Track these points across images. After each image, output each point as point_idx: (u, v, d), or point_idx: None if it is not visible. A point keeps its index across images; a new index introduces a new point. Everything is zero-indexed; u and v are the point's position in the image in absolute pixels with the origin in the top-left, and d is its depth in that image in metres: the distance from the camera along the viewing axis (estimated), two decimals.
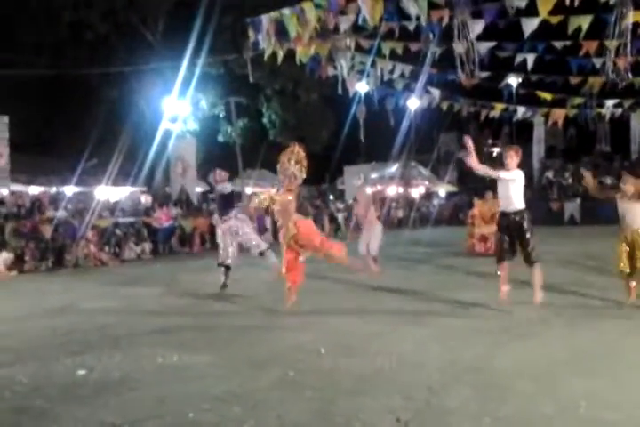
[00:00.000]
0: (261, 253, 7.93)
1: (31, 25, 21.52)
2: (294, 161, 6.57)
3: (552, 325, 5.84)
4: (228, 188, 8.06)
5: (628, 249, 6.44)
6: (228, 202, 8.06)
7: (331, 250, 6.57)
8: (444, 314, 6.43)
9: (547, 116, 16.23)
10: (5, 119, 14.88)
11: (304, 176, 6.63)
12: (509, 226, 6.35)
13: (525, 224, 6.30)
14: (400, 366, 4.65)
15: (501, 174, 6.34)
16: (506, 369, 4.50)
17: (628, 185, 6.45)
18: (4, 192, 15.33)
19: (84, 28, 21.72)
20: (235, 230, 7.82)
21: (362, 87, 15.88)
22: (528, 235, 6.29)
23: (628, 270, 6.45)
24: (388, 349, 5.12)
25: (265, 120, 27.33)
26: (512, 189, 6.35)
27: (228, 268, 7.97)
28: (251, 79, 11.95)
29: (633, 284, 6.48)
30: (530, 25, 9.17)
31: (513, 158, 6.39)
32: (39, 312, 7.29)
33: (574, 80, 12.81)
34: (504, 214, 6.45)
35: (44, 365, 4.91)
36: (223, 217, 7.88)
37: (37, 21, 21.34)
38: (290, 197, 6.50)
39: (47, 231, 12.37)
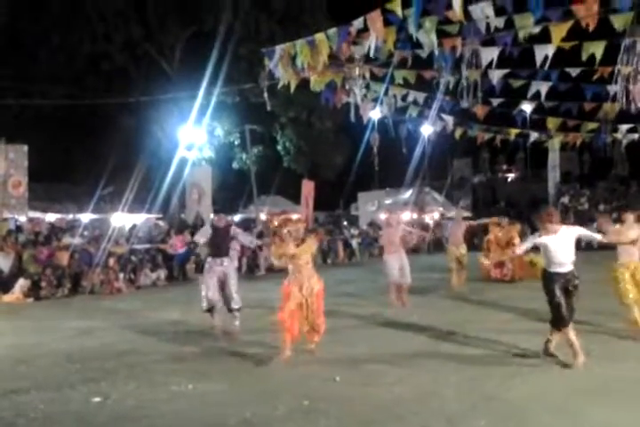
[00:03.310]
0: (232, 310, 7.41)
1: (50, 57, 22.13)
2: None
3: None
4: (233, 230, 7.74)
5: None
6: (226, 245, 7.64)
7: (320, 323, 6.08)
8: (461, 343, 6.35)
9: (561, 141, 16.24)
10: (25, 148, 15.13)
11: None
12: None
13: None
14: (417, 395, 4.59)
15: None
16: (524, 399, 4.42)
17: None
18: (22, 219, 15.52)
19: (102, 58, 22.28)
20: (224, 276, 7.37)
21: (375, 114, 16.03)
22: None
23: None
24: (405, 378, 5.06)
25: (279, 147, 27.59)
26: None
27: (211, 310, 7.40)
28: (268, 107, 12.09)
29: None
30: (543, 53, 9.23)
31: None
32: (55, 339, 7.31)
33: (588, 106, 12.83)
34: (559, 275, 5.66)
35: (59, 392, 4.92)
36: (218, 260, 7.44)
37: (56, 53, 21.95)
38: (309, 247, 6.09)
39: (64, 258, 12.46)
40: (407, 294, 9.34)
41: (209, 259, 7.58)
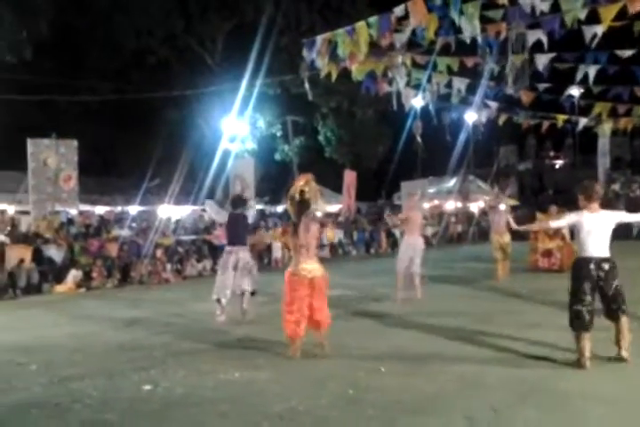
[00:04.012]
0: (244, 292, 7.41)
1: (97, 53, 22.67)
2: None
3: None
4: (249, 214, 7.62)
5: None
6: (245, 231, 7.61)
7: (322, 314, 5.60)
8: (507, 335, 6.24)
9: (611, 127, 15.71)
10: (75, 143, 15.55)
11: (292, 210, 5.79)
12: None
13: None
14: (462, 385, 4.56)
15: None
16: (574, 391, 4.34)
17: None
18: (73, 212, 15.98)
19: (146, 53, 22.68)
20: (244, 264, 7.35)
21: (417, 102, 15.84)
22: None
23: None
24: (450, 368, 5.03)
25: (321, 138, 27.58)
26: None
27: (220, 301, 7.44)
28: (310, 97, 12.11)
29: None
30: (592, 31, 8.92)
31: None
32: (107, 328, 7.54)
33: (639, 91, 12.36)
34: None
35: (111, 379, 5.07)
36: (236, 247, 7.40)
37: (103, 50, 22.47)
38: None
39: (113, 249, 12.83)
40: (420, 284, 8.66)
41: (226, 247, 7.58)
